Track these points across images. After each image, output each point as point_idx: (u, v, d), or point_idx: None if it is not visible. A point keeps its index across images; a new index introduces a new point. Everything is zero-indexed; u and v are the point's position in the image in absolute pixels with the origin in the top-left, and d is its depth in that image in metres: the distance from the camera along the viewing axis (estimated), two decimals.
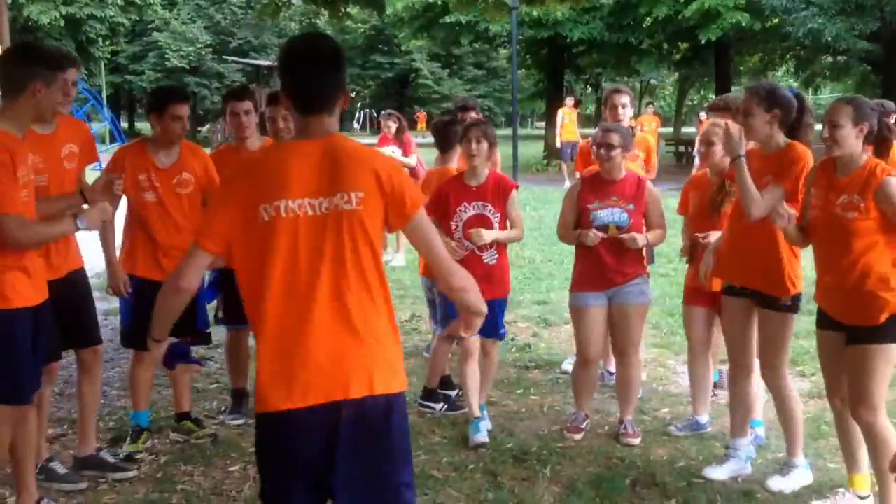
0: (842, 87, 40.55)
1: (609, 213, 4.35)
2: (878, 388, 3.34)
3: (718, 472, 4.02)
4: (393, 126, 9.11)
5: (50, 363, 3.64)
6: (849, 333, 3.39)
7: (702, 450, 4.31)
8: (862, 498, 3.63)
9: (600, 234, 4.31)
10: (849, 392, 3.44)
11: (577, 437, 4.46)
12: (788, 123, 3.72)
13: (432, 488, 3.84)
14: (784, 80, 45.00)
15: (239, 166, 2.45)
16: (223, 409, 4.88)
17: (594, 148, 4.49)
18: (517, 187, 4.62)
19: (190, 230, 4.17)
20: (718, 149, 4.19)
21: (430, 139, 5.72)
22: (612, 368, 5.32)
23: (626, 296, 4.42)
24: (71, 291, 3.73)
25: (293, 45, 2.41)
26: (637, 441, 4.40)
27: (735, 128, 3.71)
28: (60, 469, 3.85)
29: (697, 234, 4.32)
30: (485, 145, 4.42)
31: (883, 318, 3.29)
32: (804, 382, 5.22)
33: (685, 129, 35.98)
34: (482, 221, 4.41)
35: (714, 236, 4.15)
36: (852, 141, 3.32)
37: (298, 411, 2.21)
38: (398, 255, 9.22)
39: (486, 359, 4.63)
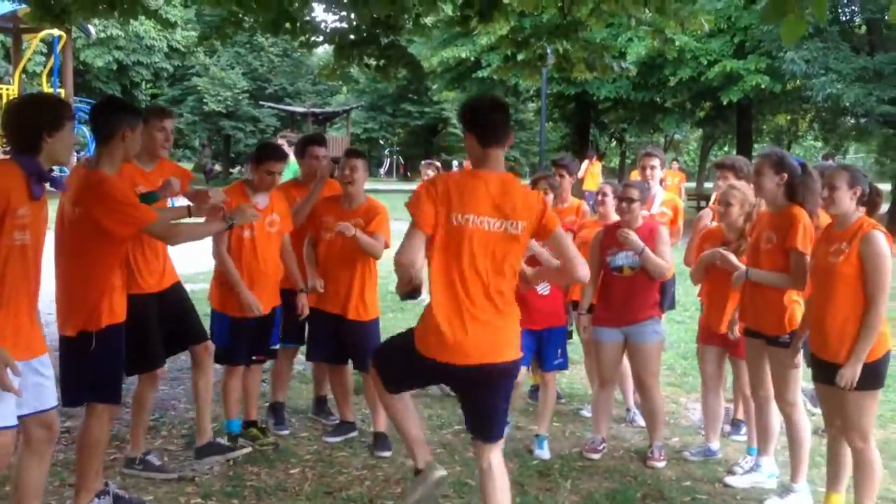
0: (866, 150, 40.82)
1: (624, 257, 4.94)
2: (865, 417, 3.82)
3: (738, 481, 4.64)
4: (432, 175, 9.74)
5: (153, 370, 4.32)
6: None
7: (707, 472, 4.85)
8: None
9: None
10: (842, 421, 3.93)
11: (595, 456, 5.01)
12: (793, 187, 4.31)
13: (467, 494, 4.39)
14: (808, 141, 45.31)
15: (445, 179, 3.37)
16: (268, 421, 5.35)
17: (616, 201, 5.11)
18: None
19: (270, 265, 4.81)
20: (735, 210, 4.72)
21: None
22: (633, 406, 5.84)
23: (640, 335, 4.98)
24: (177, 298, 4.44)
25: (479, 100, 3.59)
26: (662, 465, 4.90)
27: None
28: (156, 461, 4.46)
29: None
30: (551, 196, 5.11)
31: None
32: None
33: (707, 185, 36.56)
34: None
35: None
36: (847, 201, 3.86)
37: (456, 366, 3.28)
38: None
39: (546, 389, 5.21)
